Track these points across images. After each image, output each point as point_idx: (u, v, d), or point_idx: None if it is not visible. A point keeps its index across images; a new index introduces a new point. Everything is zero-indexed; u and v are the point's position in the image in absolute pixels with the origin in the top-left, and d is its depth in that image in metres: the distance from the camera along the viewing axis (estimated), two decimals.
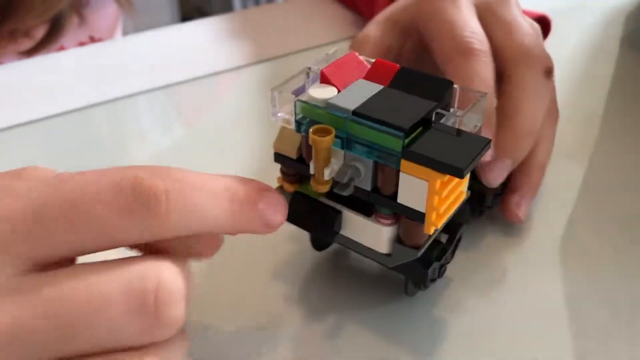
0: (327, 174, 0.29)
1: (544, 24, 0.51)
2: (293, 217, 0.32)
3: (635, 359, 0.31)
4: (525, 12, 0.49)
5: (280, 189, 0.33)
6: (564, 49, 0.56)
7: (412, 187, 0.27)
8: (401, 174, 0.27)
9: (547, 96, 0.37)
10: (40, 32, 0.57)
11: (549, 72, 0.37)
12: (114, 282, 0.22)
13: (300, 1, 0.67)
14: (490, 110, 0.35)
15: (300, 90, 0.31)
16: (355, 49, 0.44)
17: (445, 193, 0.27)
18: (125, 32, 0.74)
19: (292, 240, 0.37)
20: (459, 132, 0.28)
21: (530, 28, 0.38)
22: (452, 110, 0.30)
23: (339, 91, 0.29)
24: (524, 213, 0.37)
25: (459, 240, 0.34)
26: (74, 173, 0.24)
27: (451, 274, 0.35)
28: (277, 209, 0.27)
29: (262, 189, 0.27)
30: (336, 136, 0.28)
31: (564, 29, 0.55)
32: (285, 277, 0.35)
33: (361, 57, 0.32)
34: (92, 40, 0.66)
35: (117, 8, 0.70)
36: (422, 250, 0.30)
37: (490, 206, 0.37)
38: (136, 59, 0.56)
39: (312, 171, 0.29)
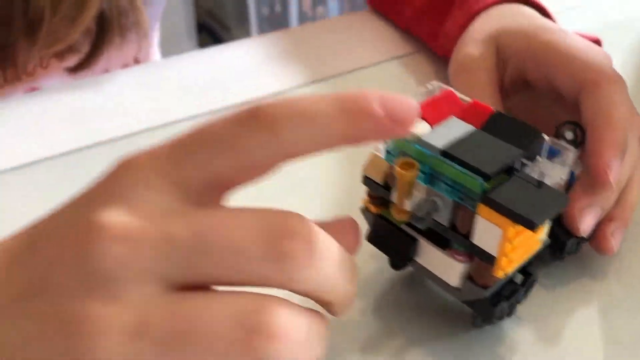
0: (408, 205, 0.30)
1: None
2: (374, 239, 0.33)
3: None
4: (579, 36, 0.48)
5: (365, 209, 0.34)
6: None
7: (487, 231, 0.28)
8: (477, 217, 0.29)
9: (636, 155, 0.38)
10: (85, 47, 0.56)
11: None
12: (249, 217, 0.24)
13: (342, 19, 0.65)
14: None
15: None
16: (458, 70, 0.45)
17: (517, 242, 0.28)
18: None
19: (373, 257, 0.38)
20: (540, 184, 0.29)
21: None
22: (537, 159, 0.31)
23: (431, 127, 0.31)
24: (617, 245, 0.37)
25: (534, 282, 0.34)
26: None
27: (523, 313, 0.36)
28: (399, 101, 0.25)
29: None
30: (421, 170, 0.29)
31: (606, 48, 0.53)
32: (362, 292, 0.37)
33: (457, 94, 0.33)
34: (137, 62, 0.65)
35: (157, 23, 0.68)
36: (491, 291, 0.31)
37: (571, 253, 0.37)
38: (180, 82, 0.55)
39: (394, 200, 0.31)
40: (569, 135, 0.39)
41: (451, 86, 0.34)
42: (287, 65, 0.57)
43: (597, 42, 0.51)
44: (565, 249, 0.37)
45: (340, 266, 0.25)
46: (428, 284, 0.37)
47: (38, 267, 0.24)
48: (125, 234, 0.23)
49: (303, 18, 1.84)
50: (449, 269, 0.32)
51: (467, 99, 0.32)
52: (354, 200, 0.36)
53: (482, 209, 0.28)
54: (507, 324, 0.35)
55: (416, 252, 0.33)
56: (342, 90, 0.25)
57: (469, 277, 0.31)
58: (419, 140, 0.30)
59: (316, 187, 0.44)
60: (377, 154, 0.32)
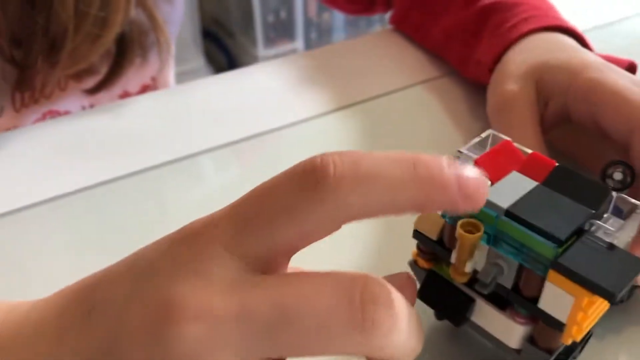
0: (469, 267, 0.28)
1: (631, 70, 0.49)
2: (425, 295, 0.32)
3: None
4: (612, 60, 0.47)
5: (414, 263, 0.33)
6: None
7: (557, 298, 0.27)
8: (547, 283, 0.27)
9: None
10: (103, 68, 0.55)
11: None
12: (326, 283, 0.22)
13: (365, 39, 0.63)
14: None
15: None
16: (497, 107, 0.43)
17: (591, 311, 0.27)
18: None
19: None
20: (612, 246, 0.27)
21: None
22: (605, 216, 0.29)
23: (491, 183, 0.29)
24: None
25: (590, 336, 0.33)
26: None
27: None
28: (475, 180, 0.23)
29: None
30: (484, 232, 0.28)
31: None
32: None
33: (516, 145, 0.31)
34: (154, 81, 0.63)
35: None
36: (555, 355, 0.29)
37: (623, 300, 0.36)
38: (201, 109, 0.53)
39: (453, 260, 0.29)
40: (618, 175, 0.37)
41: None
42: (310, 91, 0.55)
43: (633, 65, 0.50)
44: (620, 296, 0.35)
45: (416, 326, 0.24)
46: (471, 334, 0.36)
47: (103, 342, 0.23)
48: (203, 313, 0.22)
49: (308, 24, 1.82)
50: (508, 330, 0.30)
51: (527, 150, 0.31)
52: (398, 253, 0.34)
53: (553, 275, 0.26)
54: None
55: (473, 312, 0.31)
56: (414, 152, 0.23)
57: (531, 340, 0.30)
58: None
59: (360, 237, 0.42)
60: None
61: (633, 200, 0.29)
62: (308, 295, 0.22)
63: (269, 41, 1.77)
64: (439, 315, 0.35)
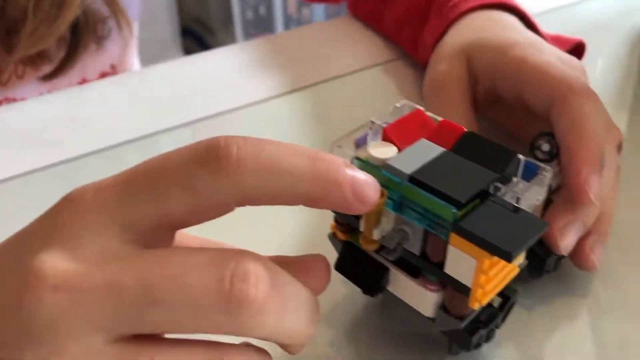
0: (377, 234, 0.28)
1: (580, 49, 0.50)
2: (342, 267, 0.32)
3: None
4: (561, 40, 0.46)
5: (333, 235, 0.33)
6: (592, 71, 0.54)
7: (460, 261, 0.27)
8: (450, 246, 0.27)
9: (616, 164, 0.36)
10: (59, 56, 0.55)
11: (620, 146, 0.37)
12: (198, 260, 0.22)
13: (324, 25, 0.64)
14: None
15: (362, 140, 0.31)
16: (430, 87, 0.43)
17: (493, 272, 0.26)
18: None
19: (342, 283, 0.37)
20: (516, 209, 0.27)
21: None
22: (514, 180, 0.29)
23: (399, 150, 0.29)
24: (599, 259, 0.36)
25: (512, 305, 0.33)
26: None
27: (502, 335, 0.34)
28: (367, 182, 0.24)
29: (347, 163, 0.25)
30: (389, 198, 0.27)
31: (590, 49, 0.52)
32: (333, 320, 0.35)
33: (428, 114, 0.31)
34: (113, 69, 0.63)
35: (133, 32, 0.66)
36: (467, 322, 0.29)
37: (550, 270, 0.36)
38: (162, 92, 0.53)
39: (361, 228, 0.29)
40: (546, 147, 0.37)
41: (426, 105, 0.32)
42: (269, 73, 0.56)
43: (581, 44, 0.50)
44: (545, 267, 0.35)
45: (301, 308, 0.24)
46: (401, 309, 0.36)
47: None
48: (65, 282, 0.21)
49: (288, 21, 1.82)
50: (421, 298, 0.30)
51: (438, 118, 0.31)
52: (322, 226, 0.34)
53: (455, 238, 0.26)
54: (486, 348, 0.34)
55: (387, 281, 0.31)
56: (317, 150, 0.24)
57: (443, 307, 0.30)
58: (385, 166, 0.28)
59: (284, 212, 0.42)
60: None
61: (540, 164, 0.29)
62: (178, 273, 0.22)
63: (249, 38, 1.77)
64: (366, 290, 0.35)
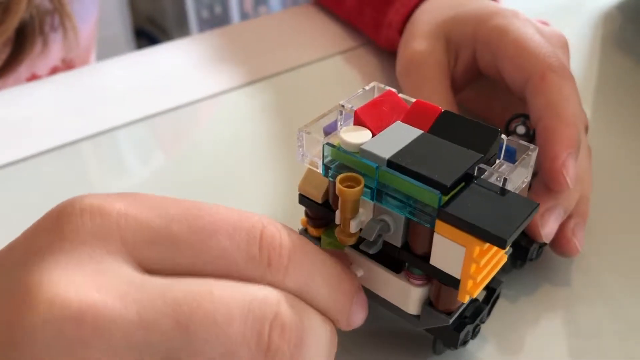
0: (354, 227, 0.26)
1: None
2: None
3: None
4: None
5: (304, 232, 0.30)
6: None
7: (447, 251, 0.24)
8: (435, 235, 0.25)
9: (586, 148, 0.35)
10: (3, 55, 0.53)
11: (587, 129, 0.36)
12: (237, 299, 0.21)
13: (284, 14, 0.62)
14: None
15: (332, 127, 0.28)
16: (405, 68, 0.41)
17: (484, 261, 0.24)
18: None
19: None
20: (504, 191, 0.25)
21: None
22: (497, 162, 0.27)
23: (373, 134, 0.27)
24: (581, 243, 0.34)
25: (497, 298, 0.31)
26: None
27: (486, 329, 0.32)
28: (363, 308, 0.26)
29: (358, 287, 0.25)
30: (366, 186, 0.25)
31: None
32: None
33: (400, 96, 0.29)
34: (65, 64, 0.61)
35: (93, 26, 0.65)
36: (455, 317, 0.27)
37: (533, 258, 0.34)
38: (114, 87, 0.51)
39: (337, 221, 0.26)
40: (521, 129, 0.36)
41: (396, 84, 0.30)
42: (227, 65, 0.53)
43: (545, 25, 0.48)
44: (528, 256, 0.33)
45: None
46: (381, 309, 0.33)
47: None
48: (92, 314, 0.19)
49: (244, 19, 1.78)
50: (404, 295, 0.28)
51: (411, 99, 0.28)
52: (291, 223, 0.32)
53: (441, 225, 0.24)
54: (471, 343, 0.32)
55: (365, 279, 0.28)
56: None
57: (429, 303, 0.27)
58: (361, 151, 0.26)
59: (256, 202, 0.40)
60: (313, 168, 0.27)
61: (524, 143, 0.27)
62: (217, 321, 0.20)
63: None
64: None
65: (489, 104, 0.41)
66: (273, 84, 0.51)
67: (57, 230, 0.21)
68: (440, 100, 0.38)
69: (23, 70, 0.55)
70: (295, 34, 0.58)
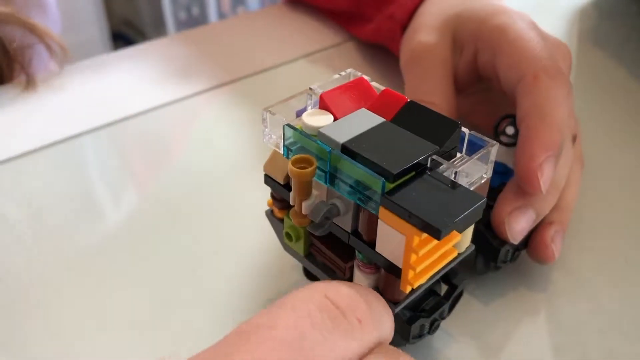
0: (305, 208, 0.26)
1: None
2: (285, 247, 0.30)
3: None
4: None
5: (271, 213, 0.30)
6: None
7: (390, 239, 0.25)
8: (380, 222, 0.25)
9: (571, 157, 0.34)
10: None
11: (575, 138, 0.35)
12: None
13: (261, 13, 0.61)
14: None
15: (303, 112, 0.29)
16: (410, 60, 0.41)
17: (424, 251, 0.24)
18: None
19: (293, 269, 0.34)
20: (454, 184, 0.25)
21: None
22: (459, 155, 0.27)
23: (335, 119, 0.27)
24: (558, 251, 0.34)
25: (460, 295, 0.30)
26: None
27: (456, 329, 0.32)
28: None
29: None
30: (320, 169, 0.25)
31: None
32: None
33: (373, 84, 0.29)
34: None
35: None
36: (401, 307, 0.27)
37: (506, 261, 0.33)
38: (86, 91, 0.50)
39: (291, 202, 0.27)
40: (510, 130, 0.35)
41: (376, 80, 0.30)
42: (204, 65, 0.53)
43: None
44: (499, 257, 0.33)
45: None
46: None
47: None
48: None
49: (223, 19, 1.77)
50: (356, 282, 0.28)
51: (381, 87, 0.28)
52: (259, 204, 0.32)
53: (384, 212, 0.24)
54: (438, 343, 0.32)
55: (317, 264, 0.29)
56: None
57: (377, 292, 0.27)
58: (318, 134, 0.26)
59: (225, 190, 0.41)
60: (278, 149, 0.28)
61: (485, 138, 0.27)
62: None
63: None
64: (307, 274, 0.33)
65: (482, 110, 0.40)
66: (248, 85, 0.51)
67: None
68: (440, 98, 0.37)
69: None
70: (272, 33, 0.57)
